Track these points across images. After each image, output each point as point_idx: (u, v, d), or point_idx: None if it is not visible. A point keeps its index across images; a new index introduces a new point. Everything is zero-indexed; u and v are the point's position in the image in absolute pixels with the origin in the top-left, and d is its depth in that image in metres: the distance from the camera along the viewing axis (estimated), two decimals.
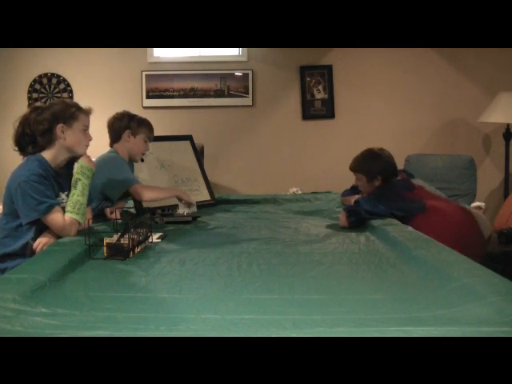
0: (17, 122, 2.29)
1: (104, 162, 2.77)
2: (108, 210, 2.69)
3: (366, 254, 2.09)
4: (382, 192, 2.81)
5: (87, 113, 2.34)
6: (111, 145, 2.94)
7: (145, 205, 2.95)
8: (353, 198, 2.96)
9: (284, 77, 4.90)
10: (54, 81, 4.82)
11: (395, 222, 2.57)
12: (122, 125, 2.89)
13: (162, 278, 1.79)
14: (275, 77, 4.88)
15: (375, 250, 2.17)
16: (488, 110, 4.48)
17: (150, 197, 2.79)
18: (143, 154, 2.97)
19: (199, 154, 3.83)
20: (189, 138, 3.60)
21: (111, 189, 2.75)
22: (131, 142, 2.89)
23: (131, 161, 2.96)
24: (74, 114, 2.28)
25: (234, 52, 4.90)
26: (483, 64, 4.75)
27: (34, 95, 4.81)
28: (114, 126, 2.92)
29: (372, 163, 2.89)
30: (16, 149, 2.30)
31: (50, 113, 2.25)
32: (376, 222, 2.56)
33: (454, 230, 2.67)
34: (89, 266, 1.93)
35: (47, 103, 2.39)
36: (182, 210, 2.86)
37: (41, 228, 2.20)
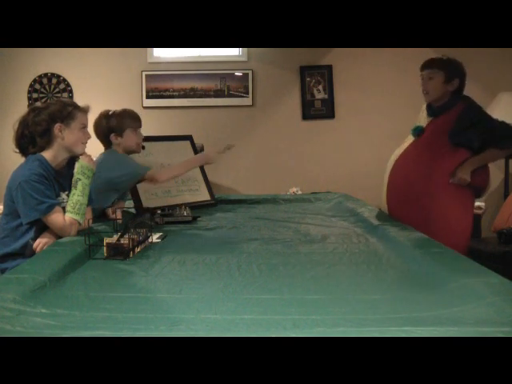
0: (16, 123, 2.28)
1: (107, 159, 2.77)
2: (110, 210, 2.69)
3: (365, 254, 2.09)
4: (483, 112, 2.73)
5: (85, 111, 2.33)
6: (106, 149, 2.88)
7: (145, 205, 2.96)
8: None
9: (284, 77, 4.90)
10: (54, 81, 4.82)
11: (395, 222, 2.57)
12: (104, 128, 2.81)
13: (162, 277, 1.79)
14: (275, 77, 4.88)
15: (375, 249, 2.17)
16: (488, 110, 4.46)
17: (165, 178, 2.85)
18: (142, 148, 2.93)
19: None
20: (189, 138, 3.60)
21: (123, 182, 2.76)
22: (122, 141, 2.82)
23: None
24: (71, 112, 2.27)
25: (234, 52, 4.90)
26: (483, 64, 4.75)
27: (34, 95, 4.81)
28: (97, 132, 2.83)
29: (454, 61, 2.76)
30: (17, 151, 2.30)
31: (47, 113, 2.25)
32: (376, 222, 2.56)
33: None
34: (89, 266, 1.93)
35: (44, 103, 2.38)
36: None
37: (41, 228, 2.20)
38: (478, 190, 2.74)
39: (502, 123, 2.70)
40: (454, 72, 2.72)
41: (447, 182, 2.64)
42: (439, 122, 2.74)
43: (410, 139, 2.85)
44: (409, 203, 2.70)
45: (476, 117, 2.67)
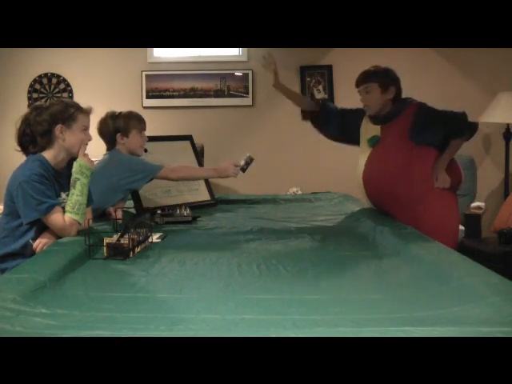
0: (18, 121, 2.28)
1: (116, 159, 2.77)
2: (111, 210, 2.69)
3: (365, 254, 2.09)
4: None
5: (87, 113, 2.32)
6: (109, 149, 2.89)
7: (145, 205, 2.96)
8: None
9: (284, 77, 4.84)
10: (54, 81, 4.82)
11: (395, 221, 2.57)
12: (110, 128, 2.83)
13: (162, 277, 1.79)
14: None
15: (375, 250, 2.17)
16: (488, 110, 4.48)
17: (177, 177, 2.93)
18: (145, 149, 2.94)
19: (199, 153, 3.82)
20: (189, 138, 3.60)
21: (137, 181, 2.77)
22: (127, 142, 2.85)
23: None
24: (73, 114, 2.26)
25: (234, 52, 4.90)
26: (483, 64, 4.75)
27: (34, 95, 4.82)
28: (102, 132, 2.85)
29: (386, 71, 2.77)
30: (19, 149, 2.30)
31: (49, 113, 2.24)
32: (376, 222, 2.56)
33: None
34: (89, 265, 1.93)
35: (47, 103, 2.37)
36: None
37: (41, 228, 2.20)
38: (454, 186, 2.75)
39: (452, 113, 2.71)
40: (387, 81, 2.73)
41: (428, 183, 2.65)
42: (396, 126, 2.73)
43: (367, 149, 2.84)
44: (391, 209, 2.72)
45: (430, 114, 2.70)
